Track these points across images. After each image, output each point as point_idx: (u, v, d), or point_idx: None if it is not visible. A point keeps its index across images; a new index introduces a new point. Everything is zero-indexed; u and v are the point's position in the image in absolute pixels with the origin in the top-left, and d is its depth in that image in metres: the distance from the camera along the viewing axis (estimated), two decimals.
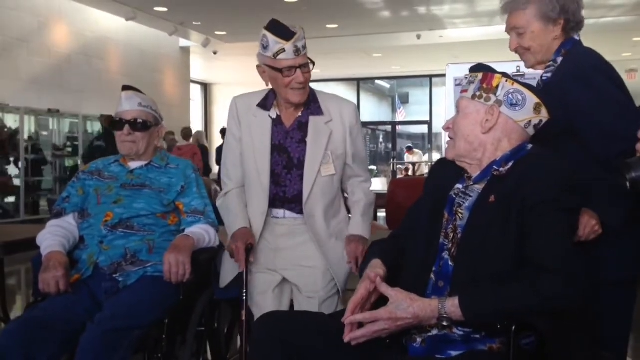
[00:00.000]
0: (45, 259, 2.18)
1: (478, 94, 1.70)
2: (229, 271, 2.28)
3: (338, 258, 2.23)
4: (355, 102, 10.31)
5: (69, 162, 10.63)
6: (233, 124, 2.29)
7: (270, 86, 2.23)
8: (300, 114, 2.24)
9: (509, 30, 2.05)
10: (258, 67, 2.18)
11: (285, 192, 2.22)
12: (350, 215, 2.35)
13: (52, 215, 2.41)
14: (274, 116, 2.24)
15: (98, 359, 1.95)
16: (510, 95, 1.68)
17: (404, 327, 1.52)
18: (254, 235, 2.21)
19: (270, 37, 2.09)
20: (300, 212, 2.21)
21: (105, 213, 2.30)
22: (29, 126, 9.98)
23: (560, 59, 2.00)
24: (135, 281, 2.22)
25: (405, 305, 1.51)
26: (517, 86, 1.68)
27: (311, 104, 2.24)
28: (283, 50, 2.08)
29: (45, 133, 10.37)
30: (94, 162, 2.55)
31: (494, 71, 1.73)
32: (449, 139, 1.78)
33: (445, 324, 1.50)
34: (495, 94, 1.68)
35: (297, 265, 2.22)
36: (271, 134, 2.22)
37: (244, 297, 2.17)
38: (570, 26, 2.01)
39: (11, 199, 9.56)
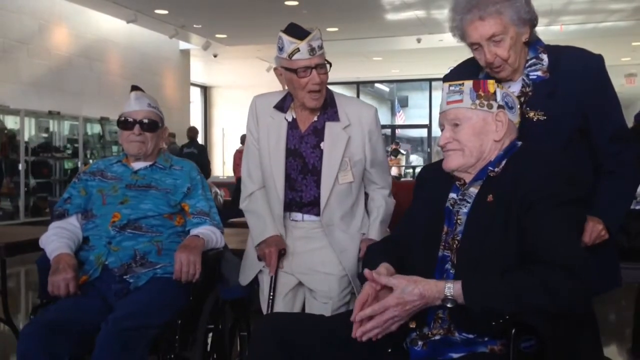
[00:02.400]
0: (54, 261, 2.16)
1: (478, 102, 1.67)
2: (249, 270, 2.31)
3: (356, 264, 2.20)
4: None
5: (68, 164, 10.64)
6: (252, 123, 2.28)
7: (287, 89, 2.21)
8: (316, 118, 2.21)
9: (482, 41, 1.80)
10: (275, 69, 2.17)
11: (302, 197, 2.20)
12: (369, 218, 2.29)
13: (54, 216, 2.38)
14: (290, 119, 2.23)
15: (117, 359, 1.96)
16: (505, 99, 1.69)
17: (413, 310, 1.52)
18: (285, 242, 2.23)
19: (285, 37, 2.07)
20: (319, 214, 2.20)
21: (112, 214, 2.29)
22: (29, 128, 9.99)
23: (545, 57, 1.88)
24: (145, 283, 2.22)
25: (410, 288, 1.50)
26: (505, 89, 1.71)
27: (328, 108, 2.21)
28: (298, 50, 2.06)
29: (45, 135, 10.39)
30: (95, 162, 2.55)
31: (476, 78, 1.73)
32: (450, 151, 1.70)
33: (449, 305, 1.49)
34: (495, 100, 1.68)
35: (313, 270, 2.21)
36: (286, 138, 2.21)
37: (270, 301, 2.19)
38: (533, 23, 1.85)
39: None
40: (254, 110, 2.28)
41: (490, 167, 1.66)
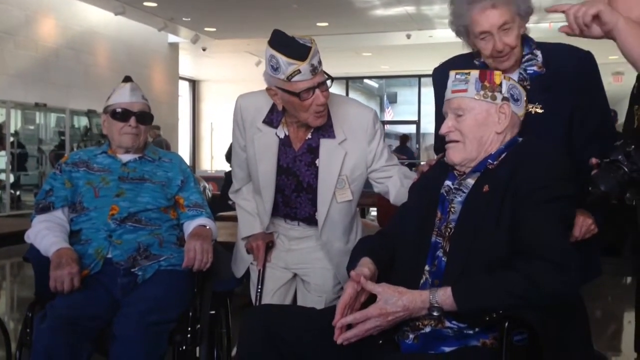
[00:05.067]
0: (55, 256, 2.09)
1: (482, 92, 1.67)
2: (241, 262, 2.31)
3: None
4: None
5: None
6: (237, 130, 2.17)
7: (281, 108, 2.03)
8: (310, 135, 2.06)
9: (493, 29, 1.83)
10: (268, 89, 1.96)
11: (296, 214, 2.15)
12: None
13: (38, 209, 2.29)
14: (282, 136, 2.08)
15: (149, 353, 1.96)
16: (511, 91, 1.68)
17: (395, 321, 1.52)
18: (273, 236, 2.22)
19: (282, 58, 1.83)
20: (316, 224, 2.13)
21: (109, 207, 2.25)
22: (15, 120, 9.90)
23: (538, 52, 1.92)
24: (152, 275, 2.21)
25: (394, 299, 1.50)
26: (512, 81, 1.71)
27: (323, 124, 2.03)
28: (298, 71, 1.84)
29: (31, 127, 10.30)
30: (75, 152, 2.48)
31: (486, 68, 1.73)
32: (452, 142, 1.71)
33: (435, 313, 1.49)
34: (500, 92, 1.68)
35: (309, 264, 2.19)
36: (278, 155, 2.08)
37: (258, 294, 2.19)
38: (528, 19, 1.91)
39: None
40: (240, 115, 2.14)
41: (489, 160, 1.67)
